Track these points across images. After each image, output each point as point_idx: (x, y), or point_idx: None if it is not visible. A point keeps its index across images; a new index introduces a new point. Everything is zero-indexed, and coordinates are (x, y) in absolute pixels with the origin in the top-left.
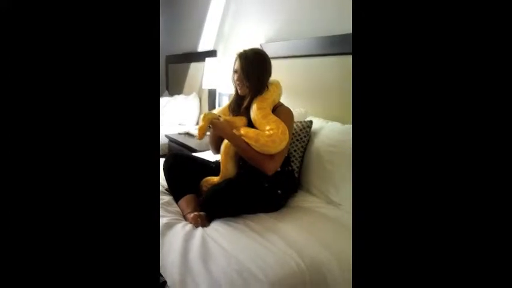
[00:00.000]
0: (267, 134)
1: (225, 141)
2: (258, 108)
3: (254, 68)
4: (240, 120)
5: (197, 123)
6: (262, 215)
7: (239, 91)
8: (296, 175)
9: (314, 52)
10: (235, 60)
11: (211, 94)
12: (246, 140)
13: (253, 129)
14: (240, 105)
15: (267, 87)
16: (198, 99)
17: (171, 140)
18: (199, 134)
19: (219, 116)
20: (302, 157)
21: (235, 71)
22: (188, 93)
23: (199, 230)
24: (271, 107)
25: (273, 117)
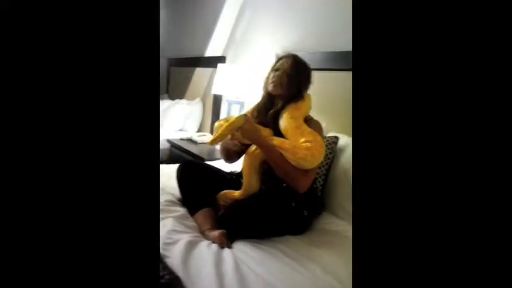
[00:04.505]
0: (304, 147)
1: (250, 151)
2: (291, 118)
3: (299, 72)
4: (265, 131)
5: (199, 130)
6: (291, 238)
7: (271, 89)
8: (319, 194)
9: (333, 66)
10: (279, 58)
11: (217, 101)
12: (281, 152)
13: (288, 141)
14: (268, 110)
15: (303, 97)
16: (202, 105)
17: (173, 145)
18: (212, 140)
19: (246, 114)
20: (326, 175)
21: (275, 70)
22: (191, 98)
23: (228, 252)
24: (303, 118)
25: (307, 128)
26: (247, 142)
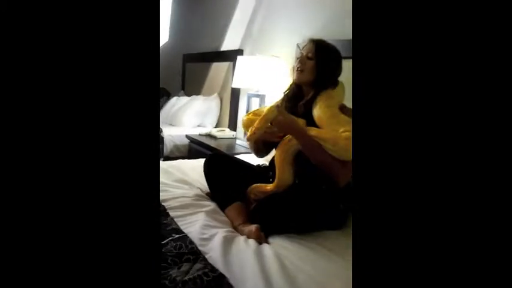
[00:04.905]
0: (345, 136)
1: (283, 144)
2: (326, 107)
3: (323, 56)
4: (299, 121)
5: (216, 126)
6: (331, 233)
7: (296, 77)
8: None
9: None
10: (305, 45)
11: (235, 95)
12: (321, 142)
13: (326, 130)
14: (297, 100)
15: (335, 84)
16: (220, 101)
17: (192, 140)
18: (250, 135)
19: (278, 105)
20: None
21: (304, 55)
22: (208, 94)
23: (267, 248)
24: (338, 107)
25: (345, 117)
26: (275, 139)
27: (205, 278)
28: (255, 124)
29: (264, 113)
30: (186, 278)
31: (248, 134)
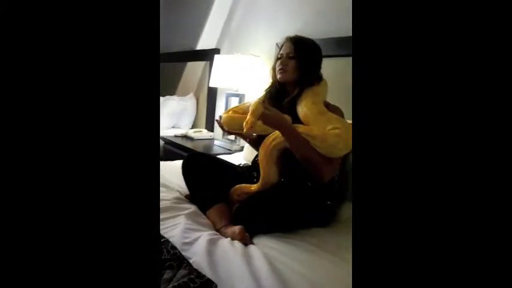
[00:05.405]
0: (334, 133)
1: (266, 142)
2: (312, 104)
3: (310, 53)
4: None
5: (193, 127)
6: (318, 230)
7: (280, 76)
8: (336, 185)
9: (342, 53)
10: (283, 43)
11: (212, 95)
12: (309, 139)
13: (315, 127)
14: (281, 98)
15: (318, 80)
16: (196, 101)
17: (167, 142)
18: (248, 129)
19: (263, 101)
20: (342, 164)
21: (285, 55)
22: (183, 94)
23: (254, 249)
24: (323, 104)
25: (331, 114)
26: (262, 133)
27: (191, 284)
28: (248, 119)
29: (251, 109)
30: (170, 286)
31: (245, 128)
